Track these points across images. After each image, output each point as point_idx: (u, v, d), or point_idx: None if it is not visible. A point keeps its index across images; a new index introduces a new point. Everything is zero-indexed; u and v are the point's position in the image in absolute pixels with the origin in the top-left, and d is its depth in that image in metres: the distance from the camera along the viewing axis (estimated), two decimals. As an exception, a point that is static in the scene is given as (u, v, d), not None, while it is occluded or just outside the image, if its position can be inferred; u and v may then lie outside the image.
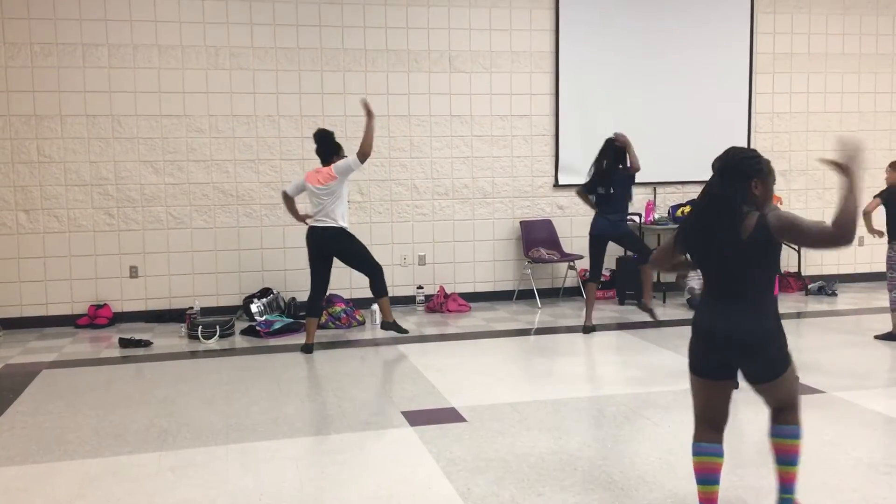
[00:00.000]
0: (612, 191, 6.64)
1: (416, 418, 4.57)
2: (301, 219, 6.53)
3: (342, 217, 6.24)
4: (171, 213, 7.63)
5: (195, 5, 7.52)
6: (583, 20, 8.37)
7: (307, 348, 6.31)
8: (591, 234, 6.80)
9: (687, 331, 7.01)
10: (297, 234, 7.90)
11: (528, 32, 8.29)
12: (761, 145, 9.01)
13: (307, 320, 6.41)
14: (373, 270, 6.39)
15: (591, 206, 6.80)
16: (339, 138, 7.84)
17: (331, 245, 6.27)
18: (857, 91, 9.22)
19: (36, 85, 7.27)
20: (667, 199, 8.80)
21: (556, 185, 8.50)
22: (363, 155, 6.07)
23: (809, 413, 4.63)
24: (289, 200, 6.52)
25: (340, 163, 6.15)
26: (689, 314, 7.54)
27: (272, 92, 7.75)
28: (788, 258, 9.11)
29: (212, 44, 7.59)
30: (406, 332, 6.71)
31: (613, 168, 6.64)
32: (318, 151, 6.34)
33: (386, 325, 6.58)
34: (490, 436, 4.24)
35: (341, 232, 6.25)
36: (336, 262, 6.38)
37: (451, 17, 8.09)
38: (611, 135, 6.72)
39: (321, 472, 3.79)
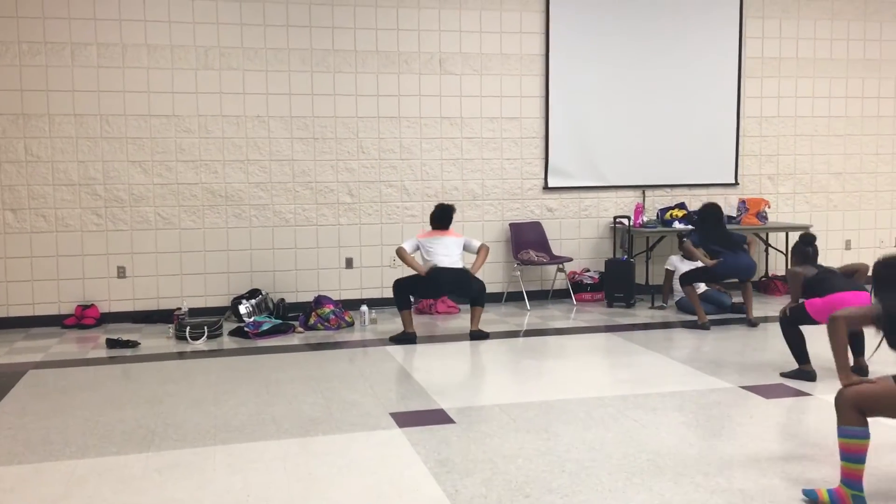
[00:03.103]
0: (728, 249, 7.18)
1: (405, 420, 4.57)
2: (422, 270, 6.78)
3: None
4: (160, 213, 7.61)
5: (185, 5, 7.50)
6: (573, 24, 8.40)
7: (412, 338, 6.67)
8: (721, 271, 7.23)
9: (676, 333, 7.05)
10: (287, 236, 7.90)
11: (519, 35, 8.31)
12: (749, 149, 9.07)
13: (403, 313, 6.74)
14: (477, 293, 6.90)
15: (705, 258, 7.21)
16: (328, 139, 7.93)
17: (464, 279, 6.76)
18: (845, 96, 9.29)
19: (24, 84, 7.24)
20: (655, 203, 8.84)
21: (546, 187, 8.51)
22: (482, 250, 6.90)
23: (799, 416, 4.66)
24: (406, 254, 6.79)
25: (469, 241, 7.03)
26: (680, 317, 7.57)
27: (262, 92, 7.74)
28: (776, 262, 9.17)
29: (201, 44, 7.57)
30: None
31: (725, 231, 7.32)
32: (442, 219, 6.86)
33: (475, 333, 6.88)
34: (478, 437, 4.25)
35: (467, 271, 6.86)
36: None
37: (441, 20, 8.10)
38: (707, 207, 7.39)
39: (309, 474, 3.78)
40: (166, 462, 3.95)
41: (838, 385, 3.42)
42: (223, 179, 7.72)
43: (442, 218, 6.93)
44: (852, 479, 3.27)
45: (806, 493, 3.39)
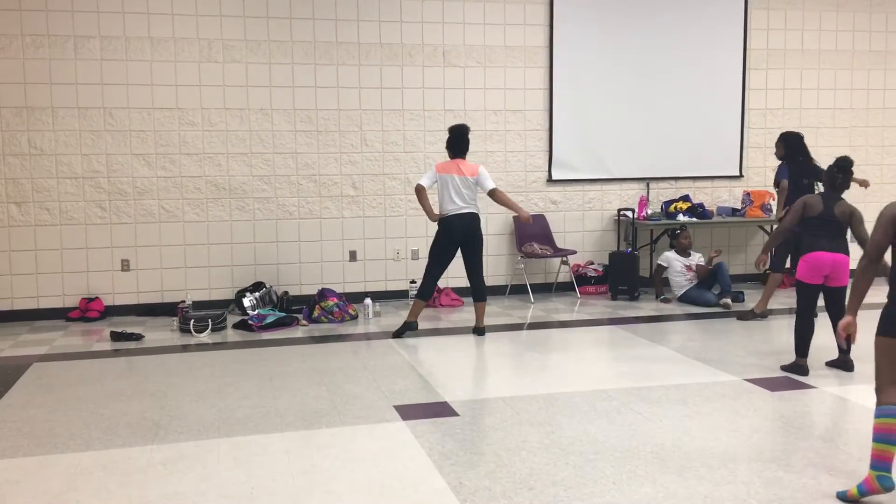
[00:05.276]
0: (817, 183, 7.06)
1: (409, 412, 4.57)
2: (435, 217, 6.46)
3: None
4: (164, 206, 7.61)
5: (188, -3, 7.49)
6: (576, 15, 8.36)
7: (412, 326, 6.56)
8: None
9: (680, 325, 7.03)
10: (290, 229, 7.90)
11: (522, 27, 8.28)
12: (754, 141, 9.04)
13: (416, 302, 6.56)
14: (480, 272, 6.57)
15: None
16: (332, 132, 7.92)
17: (475, 228, 6.43)
18: (850, 88, 9.25)
19: (27, 77, 7.23)
20: (660, 195, 8.82)
21: (550, 180, 8.50)
22: (496, 194, 6.35)
23: (803, 409, 4.65)
24: (424, 193, 6.42)
25: (486, 173, 6.43)
26: (680, 309, 7.56)
27: (265, 85, 7.73)
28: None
29: (205, 36, 7.56)
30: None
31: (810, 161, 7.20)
32: (459, 145, 6.42)
33: (478, 330, 6.64)
34: (482, 430, 4.25)
35: (478, 217, 6.51)
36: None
37: (445, 12, 8.07)
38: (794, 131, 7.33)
39: (312, 466, 3.78)
40: (170, 454, 3.96)
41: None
42: (227, 172, 7.72)
43: (459, 143, 6.42)
44: (881, 461, 3.28)
45: (839, 495, 3.36)
